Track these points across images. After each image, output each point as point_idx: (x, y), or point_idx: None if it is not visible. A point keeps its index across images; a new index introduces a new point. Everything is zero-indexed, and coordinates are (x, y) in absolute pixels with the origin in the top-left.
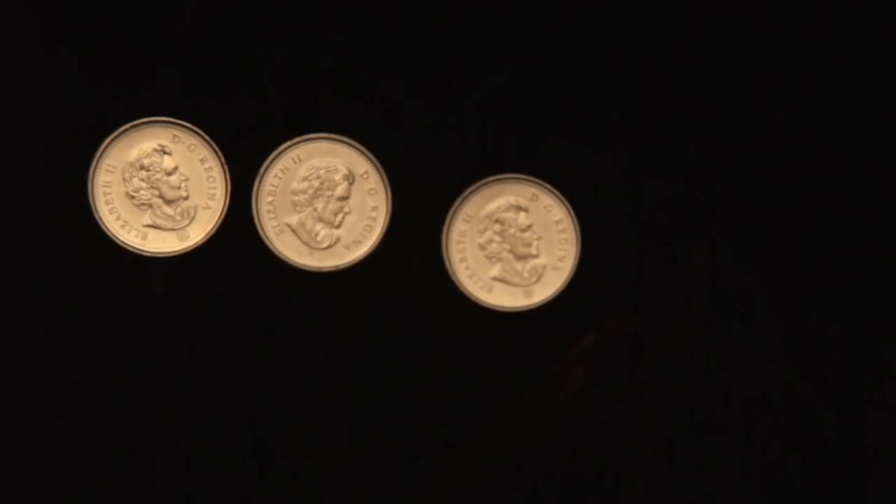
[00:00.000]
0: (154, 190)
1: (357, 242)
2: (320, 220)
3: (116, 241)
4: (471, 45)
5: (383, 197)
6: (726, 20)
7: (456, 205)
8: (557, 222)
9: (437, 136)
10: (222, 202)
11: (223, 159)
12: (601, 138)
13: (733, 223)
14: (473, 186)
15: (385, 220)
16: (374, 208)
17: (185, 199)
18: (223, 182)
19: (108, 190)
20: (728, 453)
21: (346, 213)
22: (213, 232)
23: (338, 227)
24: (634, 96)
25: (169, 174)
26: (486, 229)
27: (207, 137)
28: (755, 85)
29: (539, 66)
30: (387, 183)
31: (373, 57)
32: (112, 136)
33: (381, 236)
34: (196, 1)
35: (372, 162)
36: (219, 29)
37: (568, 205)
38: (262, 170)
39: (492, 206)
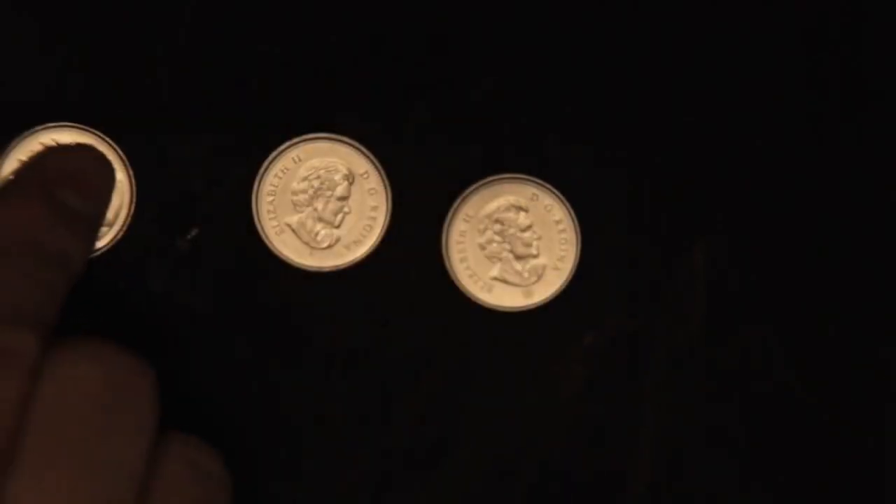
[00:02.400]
0: None
1: (357, 242)
2: (320, 219)
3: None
4: (471, 44)
5: (383, 197)
6: (726, 20)
7: (456, 205)
8: (557, 222)
9: (437, 136)
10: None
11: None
12: (601, 138)
13: (733, 223)
14: (473, 186)
15: (385, 220)
16: (374, 208)
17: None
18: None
19: None
20: (728, 453)
21: (346, 213)
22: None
23: (338, 227)
24: (634, 96)
25: None
26: (486, 229)
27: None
28: (755, 85)
29: (539, 66)
30: (387, 183)
31: (373, 57)
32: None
33: (381, 236)
34: (196, 1)
35: (372, 162)
36: (219, 28)
37: (568, 205)
38: (261, 170)
39: (492, 206)
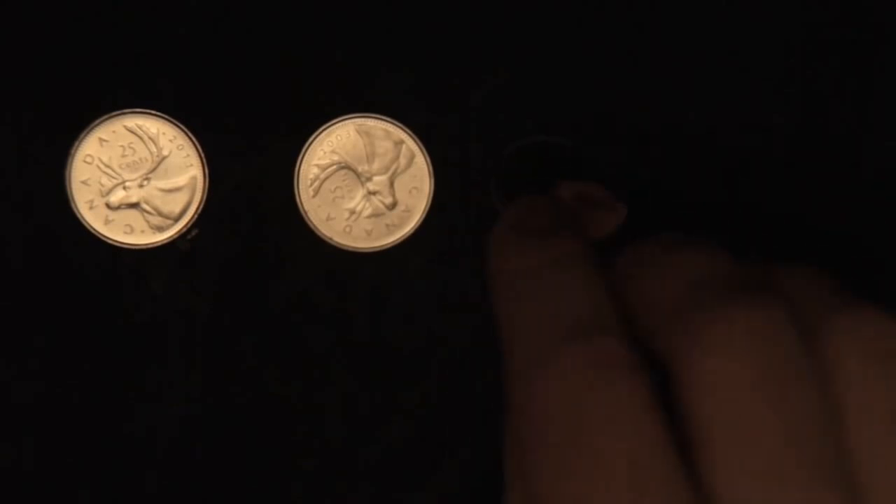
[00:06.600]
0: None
1: None
2: None
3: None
4: (471, 45)
5: None
6: (727, 20)
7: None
8: None
9: (437, 136)
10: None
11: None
12: (601, 137)
13: (732, 223)
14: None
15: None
16: None
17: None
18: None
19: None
20: None
21: None
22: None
23: None
24: (634, 96)
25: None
26: None
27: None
28: (755, 85)
29: (539, 67)
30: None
31: (373, 57)
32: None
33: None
34: (196, 1)
35: None
36: (219, 28)
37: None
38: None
39: None
